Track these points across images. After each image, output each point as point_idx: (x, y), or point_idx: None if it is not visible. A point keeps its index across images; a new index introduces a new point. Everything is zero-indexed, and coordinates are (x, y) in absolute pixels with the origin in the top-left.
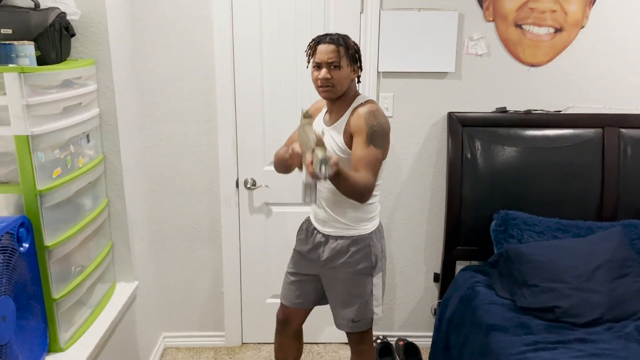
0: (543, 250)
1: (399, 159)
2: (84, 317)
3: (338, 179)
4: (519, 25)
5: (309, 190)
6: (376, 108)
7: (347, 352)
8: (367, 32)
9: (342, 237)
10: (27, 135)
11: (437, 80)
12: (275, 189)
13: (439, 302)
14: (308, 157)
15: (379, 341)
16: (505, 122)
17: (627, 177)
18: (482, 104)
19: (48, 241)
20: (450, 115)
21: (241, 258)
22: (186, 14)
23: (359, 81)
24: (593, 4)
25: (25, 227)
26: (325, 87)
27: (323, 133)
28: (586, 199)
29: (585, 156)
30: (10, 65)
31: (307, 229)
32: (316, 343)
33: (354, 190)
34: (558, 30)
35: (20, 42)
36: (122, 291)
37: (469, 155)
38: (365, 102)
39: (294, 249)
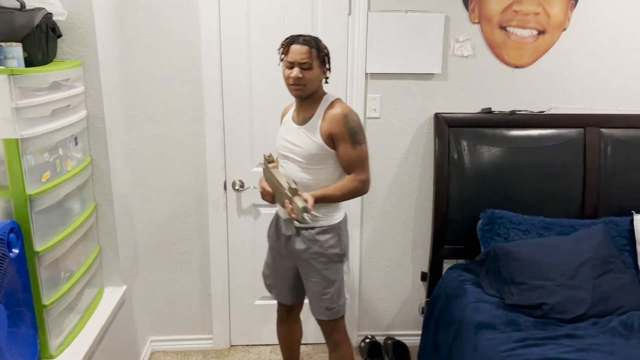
0: (529, 248)
1: (386, 160)
2: (74, 323)
3: (322, 201)
4: (503, 28)
5: (288, 224)
6: (348, 109)
7: None
8: (354, 33)
9: (313, 228)
10: (17, 139)
11: (423, 81)
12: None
13: (427, 300)
14: (287, 206)
15: (367, 340)
16: (490, 122)
17: (608, 176)
18: (468, 105)
19: (38, 246)
20: (437, 116)
21: (229, 260)
22: (174, 15)
23: (326, 82)
24: (575, 7)
25: (15, 232)
26: (297, 86)
27: (295, 182)
28: (569, 197)
29: (568, 156)
30: None
31: (276, 224)
32: (305, 344)
33: (346, 197)
34: (541, 33)
35: (8, 43)
36: (111, 296)
37: (455, 156)
38: (333, 101)
39: (268, 246)
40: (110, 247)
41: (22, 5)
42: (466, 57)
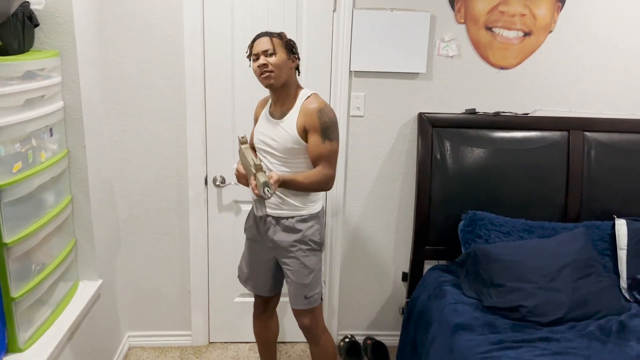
0: (509, 250)
1: (369, 158)
2: (45, 316)
3: (288, 186)
4: (489, 28)
5: (259, 205)
6: (324, 104)
7: None
8: (339, 30)
9: (292, 217)
10: None
11: (408, 80)
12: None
13: (407, 301)
14: (252, 182)
15: (347, 340)
16: (474, 123)
17: (591, 180)
18: (452, 105)
19: (7, 238)
20: (421, 116)
21: (209, 256)
22: (156, 7)
23: (299, 72)
24: (561, 9)
25: None
26: (265, 73)
27: (260, 159)
28: (551, 200)
29: (551, 158)
30: None
31: (254, 216)
32: (284, 342)
33: (312, 187)
34: (527, 34)
35: None
36: (85, 289)
37: (438, 156)
38: (310, 95)
39: (246, 239)
40: (86, 240)
41: None
42: (451, 57)
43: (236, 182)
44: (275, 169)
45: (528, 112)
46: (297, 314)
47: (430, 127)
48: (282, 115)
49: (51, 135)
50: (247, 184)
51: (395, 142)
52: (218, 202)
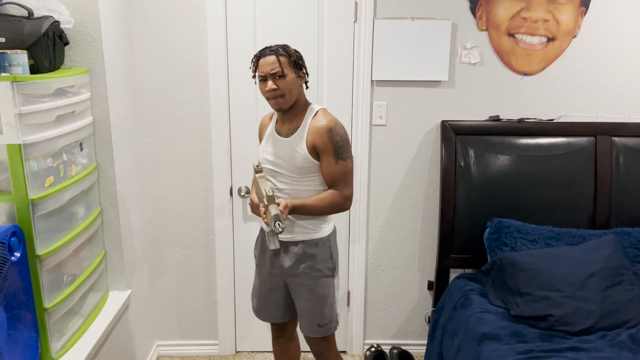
0: (536, 258)
1: (392, 167)
2: (76, 326)
3: (300, 211)
4: (511, 35)
5: (272, 238)
6: (334, 121)
7: None
8: (360, 40)
9: (302, 242)
10: (19, 144)
11: (430, 88)
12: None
13: (433, 310)
14: (262, 212)
15: (372, 349)
16: (498, 130)
17: (620, 186)
18: (475, 113)
19: (40, 250)
20: (444, 124)
21: (235, 266)
22: (181, 24)
23: (307, 87)
24: (585, 13)
25: (17, 236)
26: (275, 99)
27: (273, 191)
28: (579, 207)
29: (578, 164)
30: (2, 74)
31: (262, 241)
32: None
33: (327, 209)
34: (550, 40)
35: (14, 50)
36: (115, 300)
37: (462, 164)
38: (318, 111)
39: (255, 266)
40: (115, 251)
41: (30, 14)
42: (474, 64)
43: (250, 212)
44: (284, 189)
45: (553, 118)
46: (309, 340)
47: (454, 134)
48: (289, 133)
49: (81, 149)
50: (259, 214)
51: (419, 151)
52: (243, 212)
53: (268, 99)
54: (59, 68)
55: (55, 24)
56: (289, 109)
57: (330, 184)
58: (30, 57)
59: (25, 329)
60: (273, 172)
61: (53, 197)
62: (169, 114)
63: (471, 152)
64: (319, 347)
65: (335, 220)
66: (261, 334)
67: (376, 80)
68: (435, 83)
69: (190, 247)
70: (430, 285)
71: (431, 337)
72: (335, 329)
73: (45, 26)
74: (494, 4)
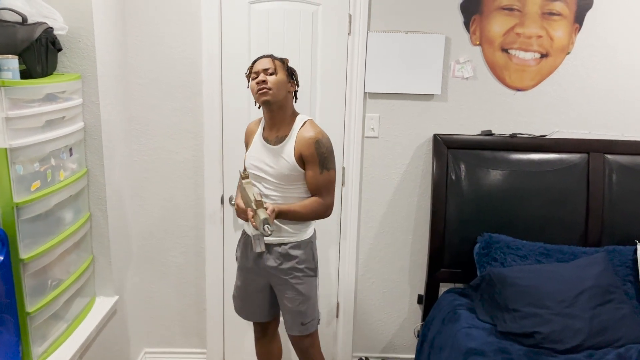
0: (526, 274)
1: (384, 180)
2: (60, 331)
3: (285, 216)
4: (505, 50)
5: (258, 241)
6: (321, 133)
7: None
8: (354, 53)
9: (285, 243)
10: (6, 148)
11: (423, 102)
12: (244, 221)
13: (422, 324)
14: (250, 217)
15: None
16: (490, 145)
17: (612, 203)
18: (467, 127)
19: (23, 254)
20: (436, 137)
21: (224, 274)
22: (175, 31)
23: (296, 99)
24: (579, 30)
25: (1, 239)
26: (263, 90)
27: (261, 195)
28: (571, 224)
29: (571, 181)
30: None
31: (244, 244)
32: None
33: (310, 216)
34: (544, 56)
35: (4, 55)
36: (101, 305)
37: (453, 177)
38: (306, 122)
39: (237, 268)
40: (104, 257)
41: (24, 20)
42: (467, 78)
43: (236, 216)
44: (269, 195)
45: (546, 134)
46: (293, 339)
47: (446, 148)
48: (277, 142)
49: (71, 154)
50: (247, 219)
51: (410, 163)
52: (234, 221)
53: (256, 92)
54: (51, 74)
55: (49, 30)
56: (277, 114)
57: (314, 192)
58: (23, 62)
59: (6, 332)
60: (259, 178)
61: (39, 202)
62: (162, 121)
63: (463, 166)
64: (302, 345)
65: (326, 232)
66: (250, 344)
67: (369, 93)
68: (428, 96)
69: (180, 255)
70: (420, 299)
71: (419, 351)
72: (317, 326)
73: (38, 32)
74: (488, 20)
